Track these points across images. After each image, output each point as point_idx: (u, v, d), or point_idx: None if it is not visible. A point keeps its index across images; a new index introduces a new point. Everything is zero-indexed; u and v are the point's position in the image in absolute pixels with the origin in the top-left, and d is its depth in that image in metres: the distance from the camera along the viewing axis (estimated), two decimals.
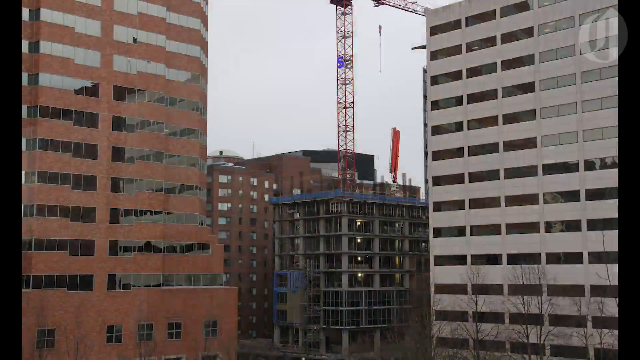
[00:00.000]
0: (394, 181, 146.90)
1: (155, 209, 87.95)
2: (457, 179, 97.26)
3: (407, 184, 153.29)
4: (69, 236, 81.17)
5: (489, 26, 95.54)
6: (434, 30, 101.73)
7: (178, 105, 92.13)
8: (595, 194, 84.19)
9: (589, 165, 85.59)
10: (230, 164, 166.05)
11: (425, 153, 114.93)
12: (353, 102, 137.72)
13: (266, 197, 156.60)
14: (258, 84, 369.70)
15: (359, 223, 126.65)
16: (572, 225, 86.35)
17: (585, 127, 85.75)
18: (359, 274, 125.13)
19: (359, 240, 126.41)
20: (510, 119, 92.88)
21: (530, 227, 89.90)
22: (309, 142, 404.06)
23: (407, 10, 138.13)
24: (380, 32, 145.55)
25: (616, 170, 77.70)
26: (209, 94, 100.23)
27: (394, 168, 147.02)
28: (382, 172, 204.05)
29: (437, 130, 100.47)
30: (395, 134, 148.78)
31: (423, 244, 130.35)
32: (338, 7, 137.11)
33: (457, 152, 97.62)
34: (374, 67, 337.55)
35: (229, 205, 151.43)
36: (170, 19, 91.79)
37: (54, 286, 79.49)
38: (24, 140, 79.24)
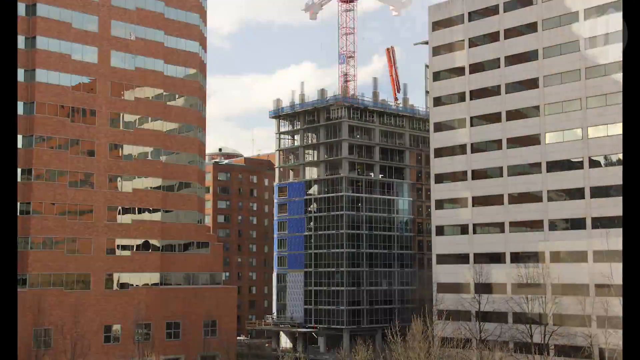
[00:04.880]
0: (395, 100, 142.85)
1: (153, 207, 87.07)
2: (460, 176, 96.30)
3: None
4: (66, 234, 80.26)
5: (492, 21, 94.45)
6: (436, 26, 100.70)
7: (177, 102, 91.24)
8: (600, 192, 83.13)
9: (594, 163, 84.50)
10: (230, 161, 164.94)
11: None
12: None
13: (266, 195, 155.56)
14: (258, 81, 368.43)
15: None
16: (576, 224, 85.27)
17: (589, 123, 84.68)
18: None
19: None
20: (513, 115, 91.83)
21: (534, 225, 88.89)
22: None
23: None
24: None
25: (621, 167, 76.67)
26: (207, 90, 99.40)
27: (395, 87, 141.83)
28: None
29: (439, 127, 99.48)
30: (389, 51, 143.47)
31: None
32: (341, 4, 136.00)
33: (460, 149, 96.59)
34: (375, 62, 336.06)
35: (228, 203, 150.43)
36: (169, 14, 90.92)
37: (50, 285, 78.67)
38: (20, 137, 78.30)
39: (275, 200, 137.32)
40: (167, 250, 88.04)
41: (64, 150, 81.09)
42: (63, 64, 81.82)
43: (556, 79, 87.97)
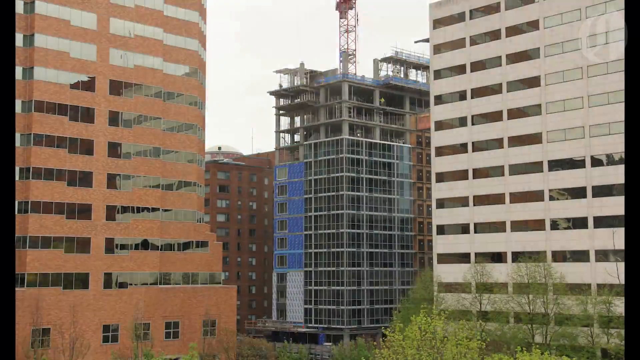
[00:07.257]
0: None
1: (152, 205, 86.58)
2: (461, 175, 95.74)
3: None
4: (65, 233, 79.79)
5: (494, 19, 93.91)
6: (437, 23, 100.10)
7: (176, 100, 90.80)
8: (602, 191, 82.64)
9: (596, 161, 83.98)
10: (229, 160, 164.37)
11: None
12: None
13: (266, 195, 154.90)
14: (257, 79, 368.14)
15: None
16: (578, 223, 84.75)
17: (591, 122, 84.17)
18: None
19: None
20: (515, 114, 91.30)
21: (535, 225, 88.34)
22: None
23: None
24: None
25: (623, 166, 76.19)
26: (207, 88, 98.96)
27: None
28: None
29: (440, 125, 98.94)
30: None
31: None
32: (341, 2, 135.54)
33: (461, 148, 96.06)
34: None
35: (228, 202, 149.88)
36: (168, 11, 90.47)
37: (49, 285, 78.18)
38: (18, 136, 77.86)
39: (275, 199, 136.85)
40: (166, 249, 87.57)
41: (62, 149, 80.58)
42: (61, 62, 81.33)
43: (558, 77, 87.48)
